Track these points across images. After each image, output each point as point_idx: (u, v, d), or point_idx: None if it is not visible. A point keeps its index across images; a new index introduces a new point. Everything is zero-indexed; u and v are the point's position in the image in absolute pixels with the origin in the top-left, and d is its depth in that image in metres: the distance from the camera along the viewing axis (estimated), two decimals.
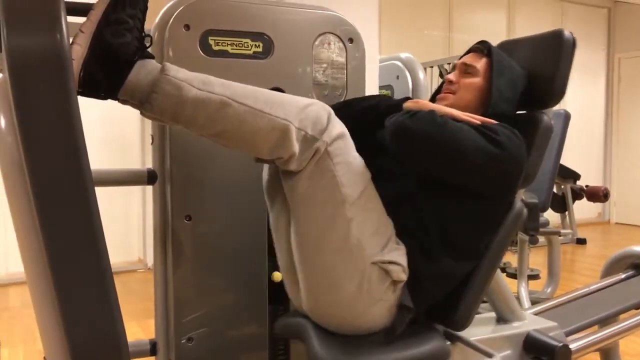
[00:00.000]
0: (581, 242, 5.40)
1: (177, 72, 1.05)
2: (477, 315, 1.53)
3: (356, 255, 1.10)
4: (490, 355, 1.29)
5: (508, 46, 1.58)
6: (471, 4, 5.83)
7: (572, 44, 1.41)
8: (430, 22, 5.64)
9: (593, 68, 6.78)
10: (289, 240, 1.19)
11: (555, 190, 4.03)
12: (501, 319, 1.54)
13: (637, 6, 6.47)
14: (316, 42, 1.49)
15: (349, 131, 1.15)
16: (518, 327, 1.49)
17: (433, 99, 1.48)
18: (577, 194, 4.38)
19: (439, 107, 1.25)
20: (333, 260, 1.10)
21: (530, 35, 1.53)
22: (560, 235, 3.23)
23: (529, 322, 1.53)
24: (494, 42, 1.52)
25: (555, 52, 1.41)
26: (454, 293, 1.25)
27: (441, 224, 1.19)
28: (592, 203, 4.90)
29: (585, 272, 4.31)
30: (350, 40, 1.53)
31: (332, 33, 1.51)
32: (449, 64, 3.49)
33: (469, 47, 1.48)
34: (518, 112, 1.44)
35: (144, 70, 1.04)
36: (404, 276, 1.15)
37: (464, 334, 1.34)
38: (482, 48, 1.43)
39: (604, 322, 1.72)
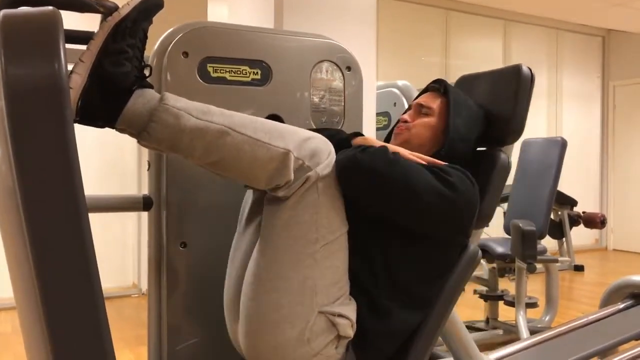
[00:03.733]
0: (579, 269, 5.38)
1: (176, 102, 1.04)
2: None
3: (307, 300, 1.06)
4: None
5: (468, 81, 1.55)
6: (467, 31, 5.90)
7: (531, 80, 1.37)
8: (427, 48, 5.71)
9: (588, 95, 6.84)
10: (242, 272, 1.14)
11: (552, 216, 4.03)
12: None
13: (630, 35, 6.57)
14: (314, 70, 1.50)
15: None
16: None
17: (388, 139, 1.46)
18: (575, 221, 4.38)
19: (388, 146, 1.22)
20: (282, 300, 1.05)
21: (490, 70, 1.50)
22: (558, 263, 3.22)
23: None
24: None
25: (513, 89, 1.37)
26: (402, 346, 1.17)
27: (388, 266, 1.15)
28: (589, 229, 4.90)
29: (584, 300, 4.28)
30: (348, 68, 1.54)
31: (329, 61, 1.52)
32: None
33: (425, 86, 1.46)
34: (477, 149, 1.41)
35: (142, 100, 1.03)
36: (350, 332, 1.10)
37: None
38: (438, 87, 1.42)
39: (603, 354, 1.70)
